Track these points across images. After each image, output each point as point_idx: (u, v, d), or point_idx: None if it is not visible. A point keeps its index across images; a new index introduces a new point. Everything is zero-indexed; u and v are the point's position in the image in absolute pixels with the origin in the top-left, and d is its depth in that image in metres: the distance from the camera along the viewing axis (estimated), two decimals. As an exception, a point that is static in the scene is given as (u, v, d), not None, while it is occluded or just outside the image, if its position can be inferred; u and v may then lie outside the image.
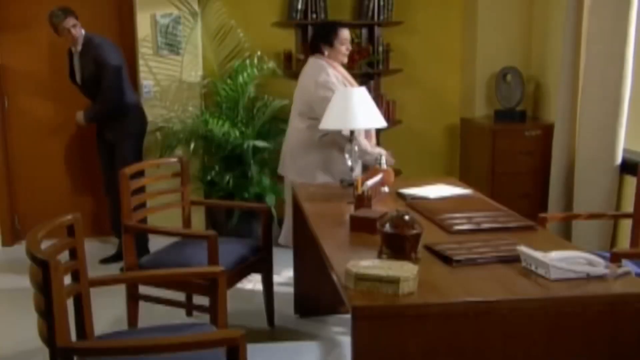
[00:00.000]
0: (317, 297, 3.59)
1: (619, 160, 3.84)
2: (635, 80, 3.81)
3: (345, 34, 3.85)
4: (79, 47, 4.34)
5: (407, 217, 2.25)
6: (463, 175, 5.00)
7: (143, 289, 3.11)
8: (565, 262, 2.06)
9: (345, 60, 3.89)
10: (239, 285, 3.68)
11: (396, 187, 3.32)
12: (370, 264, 2.03)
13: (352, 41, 5.08)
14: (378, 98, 5.01)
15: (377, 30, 5.05)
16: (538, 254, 2.10)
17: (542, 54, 4.82)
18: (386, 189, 3.29)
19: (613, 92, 3.79)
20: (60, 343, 1.82)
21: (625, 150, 3.87)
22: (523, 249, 2.16)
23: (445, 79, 5.30)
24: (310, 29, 5.00)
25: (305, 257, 3.52)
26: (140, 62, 4.80)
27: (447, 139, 5.39)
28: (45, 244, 2.06)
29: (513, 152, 4.59)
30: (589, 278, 2.04)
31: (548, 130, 4.46)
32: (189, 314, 3.60)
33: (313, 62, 3.82)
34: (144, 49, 4.78)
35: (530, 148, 4.58)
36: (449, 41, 5.26)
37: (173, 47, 4.79)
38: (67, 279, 2.23)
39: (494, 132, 4.62)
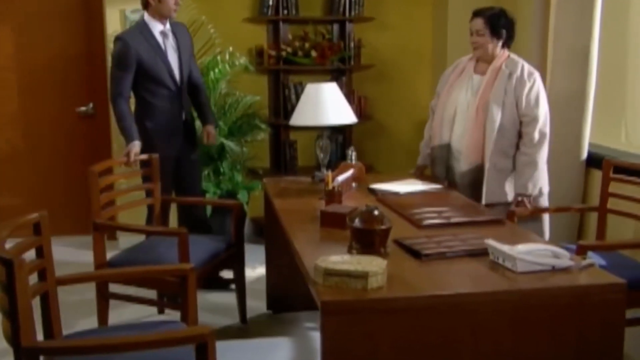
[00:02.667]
0: (290, 292, 3.57)
1: (585, 154, 3.89)
2: (599, 75, 3.86)
3: None
4: (168, 26, 3.65)
5: (376, 212, 2.25)
6: (434, 170, 5.02)
7: (114, 287, 3.07)
8: (532, 255, 2.08)
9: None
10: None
11: (367, 183, 3.32)
12: (339, 259, 2.03)
13: (323, 37, 5.10)
14: (349, 94, 5.02)
15: (349, 26, 5.05)
16: (505, 248, 2.11)
17: (511, 49, 4.85)
18: (357, 184, 3.29)
19: (578, 87, 3.83)
20: (25, 343, 1.79)
21: (590, 145, 3.92)
22: (491, 242, 2.18)
23: (416, 74, 5.32)
24: (282, 25, 4.98)
25: (278, 252, 3.51)
26: (110, 58, 4.72)
27: (419, 134, 5.35)
28: (11, 243, 2.02)
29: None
30: (554, 270, 2.06)
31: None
32: (160, 311, 3.56)
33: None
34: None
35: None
36: (420, 37, 5.28)
37: (143, 43, 4.71)
38: (34, 278, 2.20)
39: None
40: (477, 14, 3.35)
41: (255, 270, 4.17)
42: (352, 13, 4.99)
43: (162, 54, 3.60)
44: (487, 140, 3.23)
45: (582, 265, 2.08)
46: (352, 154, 3.39)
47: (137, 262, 3.00)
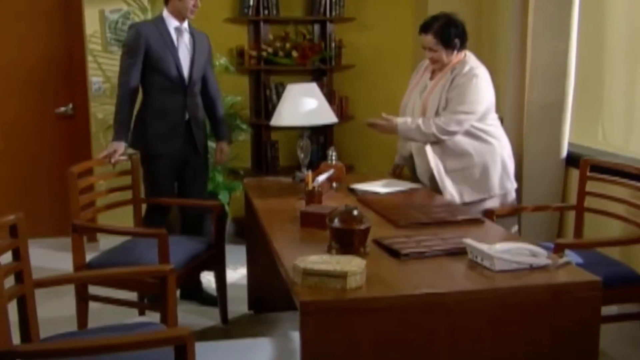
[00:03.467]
0: (271, 293, 3.57)
1: (564, 153, 3.93)
2: (577, 77, 3.90)
3: None
4: (186, 25, 3.61)
5: (355, 212, 2.26)
6: (415, 170, 5.04)
7: (93, 290, 3.04)
8: (509, 253, 2.10)
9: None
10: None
11: (348, 183, 3.33)
12: (318, 259, 2.03)
13: (304, 37, 5.10)
14: (330, 94, 5.02)
15: (329, 27, 5.05)
16: (483, 247, 2.13)
17: (491, 50, 4.89)
18: (338, 184, 3.29)
19: (557, 87, 3.87)
20: (0, 346, 1.77)
21: (570, 144, 3.96)
22: (469, 241, 2.19)
23: (397, 75, 5.32)
24: (262, 25, 4.97)
25: (259, 253, 3.50)
26: (89, 58, 4.69)
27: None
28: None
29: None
30: (532, 269, 2.08)
31: (497, 124, 4.52)
32: (141, 313, 3.54)
33: None
34: (93, 45, 4.67)
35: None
36: (400, 38, 5.30)
37: (122, 43, 4.68)
38: (11, 281, 2.18)
39: (445, 127, 4.66)
40: (424, 30, 3.27)
41: (237, 271, 4.16)
42: (333, 13, 4.99)
43: (173, 49, 3.53)
44: (427, 146, 3.27)
45: (559, 264, 2.10)
46: (332, 154, 3.39)
47: (116, 263, 2.98)
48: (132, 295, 3.35)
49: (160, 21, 3.57)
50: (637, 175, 3.01)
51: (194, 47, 3.61)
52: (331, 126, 5.05)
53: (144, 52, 3.47)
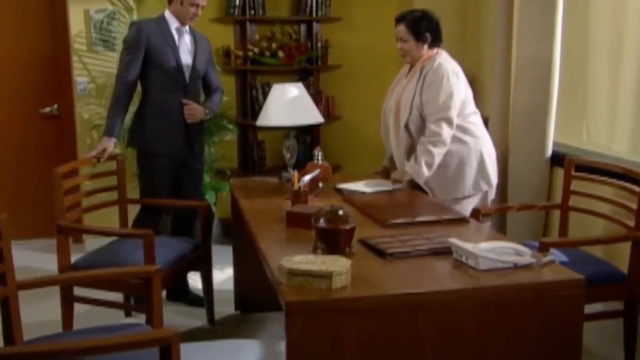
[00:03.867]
0: (258, 293, 3.56)
1: (549, 153, 3.95)
2: (562, 77, 3.92)
3: None
4: (187, 27, 3.62)
5: (341, 212, 2.26)
6: (402, 170, 5.06)
7: (79, 291, 3.02)
8: (494, 252, 2.11)
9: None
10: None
11: (334, 183, 3.33)
12: (303, 259, 2.03)
13: (290, 37, 5.09)
14: (317, 94, 5.02)
15: (316, 27, 5.05)
16: (468, 246, 2.13)
17: (476, 50, 4.91)
18: (324, 184, 3.29)
19: (542, 88, 3.89)
20: (-17, 349, 1.75)
21: (555, 144, 3.98)
22: (454, 241, 2.20)
23: (383, 75, 5.32)
24: (248, 25, 4.97)
25: (245, 253, 3.49)
26: (74, 58, 4.66)
27: (386, 134, 5.43)
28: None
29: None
30: (516, 267, 2.09)
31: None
32: (127, 314, 3.52)
33: None
34: (78, 45, 4.65)
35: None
36: (386, 38, 5.26)
37: (108, 43, 4.67)
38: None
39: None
40: (398, 20, 3.33)
41: (224, 272, 4.15)
42: (319, 13, 4.99)
43: (174, 47, 3.52)
44: (401, 144, 3.28)
45: (543, 262, 2.12)
46: (318, 153, 3.40)
47: (102, 264, 2.96)
48: (118, 297, 3.34)
49: (161, 20, 3.55)
50: (621, 175, 3.03)
51: (195, 47, 3.60)
52: (317, 126, 5.05)
53: (144, 49, 3.46)
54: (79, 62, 4.67)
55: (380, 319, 1.90)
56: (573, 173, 3.25)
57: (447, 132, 3.17)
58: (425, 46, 3.29)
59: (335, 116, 5.22)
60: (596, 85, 3.96)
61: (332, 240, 2.22)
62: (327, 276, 1.92)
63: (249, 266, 3.50)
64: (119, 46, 4.66)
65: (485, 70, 4.78)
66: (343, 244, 2.22)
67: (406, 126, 3.26)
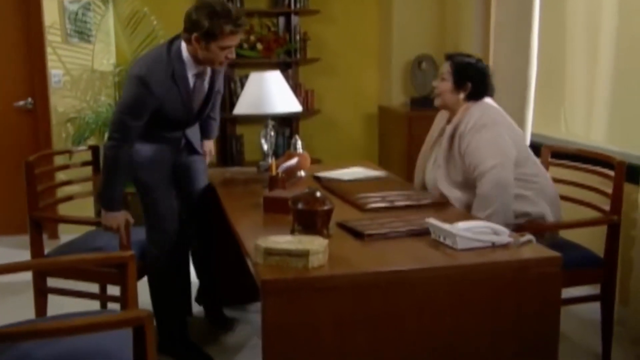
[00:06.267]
0: (236, 284, 3.53)
1: (527, 143, 3.96)
2: (540, 69, 3.94)
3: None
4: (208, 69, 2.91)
5: (318, 194, 2.24)
6: (382, 163, 5.06)
7: (53, 282, 2.97)
8: (471, 231, 2.10)
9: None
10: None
11: (313, 172, 3.31)
12: (280, 239, 2.01)
13: (269, 30, 5.07)
14: (296, 87, 5.01)
15: (294, 19, 5.04)
16: (446, 225, 2.13)
17: (455, 41, 4.93)
18: (302, 173, 3.28)
19: (520, 78, 3.92)
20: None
21: (534, 135, 4.01)
22: (432, 221, 2.19)
23: (363, 67, 5.35)
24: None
25: (224, 248, 3.45)
26: (49, 50, 4.60)
27: (366, 127, 5.44)
28: None
29: (429, 138, 4.67)
30: (494, 247, 2.09)
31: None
32: (103, 305, 3.47)
33: None
34: (52, 37, 4.59)
35: (445, 134, 4.67)
36: (365, 30, 5.31)
37: (83, 34, 4.62)
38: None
39: (410, 118, 4.70)
40: (448, 56, 2.97)
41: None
42: (298, 6, 4.98)
43: (188, 97, 2.83)
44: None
45: (521, 242, 2.12)
46: (297, 142, 3.38)
47: (77, 253, 2.91)
48: (92, 287, 3.28)
49: (179, 65, 2.75)
50: (597, 160, 3.05)
51: (212, 83, 2.96)
52: (297, 119, 5.04)
53: (152, 111, 2.76)
54: (53, 55, 4.61)
55: (358, 297, 1.89)
56: (549, 160, 3.27)
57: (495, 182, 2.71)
58: (461, 95, 2.88)
59: (315, 110, 5.21)
60: (574, 77, 4.00)
61: (310, 221, 2.20)
62: (304, 255, 1.91)
63: (229, 257, 3.45)
64: (95, 38, 4.63)
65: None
66: (320, 225, 2.21)
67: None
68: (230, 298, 3.58)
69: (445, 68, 2.92)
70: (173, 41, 2.81)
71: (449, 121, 2.97)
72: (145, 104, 2.72)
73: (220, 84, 3.09)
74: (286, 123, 5.04)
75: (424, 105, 4.84)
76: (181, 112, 2.86)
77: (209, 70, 2.89)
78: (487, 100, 2.93)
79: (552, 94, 4.12)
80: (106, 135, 2.97)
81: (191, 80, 2.83)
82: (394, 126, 4.97)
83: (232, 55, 2.76)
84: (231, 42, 2.70)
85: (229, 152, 5.02)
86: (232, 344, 3.17)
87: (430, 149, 3.06)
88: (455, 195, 2.80)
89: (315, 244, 1.95)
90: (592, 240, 3.01)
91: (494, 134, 2.77)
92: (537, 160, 2.99)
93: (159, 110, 2.77)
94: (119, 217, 2.81)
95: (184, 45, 2.76)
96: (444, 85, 2.91)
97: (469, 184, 2.80)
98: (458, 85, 2.88)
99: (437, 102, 2.97)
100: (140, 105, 2.72)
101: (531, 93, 3.94)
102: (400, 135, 4.81)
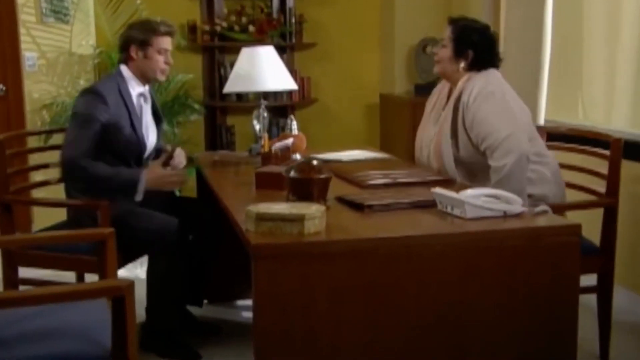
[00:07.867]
0: (225, 282, 3.52)
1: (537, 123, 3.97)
2: (554, 52, 3.95)
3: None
4: (147, 87, 3.11)
5: (314, 162, 2.24)
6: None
7: (25, 272, 2.95)
8: (481, 200, 2.09)
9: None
10: (141, 273, 3.57)
11: (308, 154, 3.31)
12: (273, 205, 2.00)
13: (262, 11, 5.09)
14: (291, 74, 4.98)
15: (289, 0, 5.06)
16: (453, 194, 2.12)
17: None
18: (298, 155, 3.27)
19: (533, 58, 3.92)
20: None
21: (548, 121, 4.00)
22: (438, 190, 2.19)
23: (363, 53, 5.35)
24: (216, -2, 4.95)
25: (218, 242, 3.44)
26: (22, 31, 4.59)
27: (366, 117, 5.44)
28: None
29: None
30: (506, 216, 2.08)
31: (470, 102, 4.56)
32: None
33: None
34: (26, 16, 4.58)
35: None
36: (365, 12, 5.32)
37: (60, 14, 4.62)
38: None
39: (414, 107, 4.69)
40: (451, 20, 2.94)
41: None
42: (293, -15, 5.00)
43: (138, 123, 2.96)
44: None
45: (536, 212, 2.11)
46: (292, 122, 3.38)
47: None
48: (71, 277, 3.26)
49: (123, 83, 2.96)
50: (596, 140, 2.98)
51: (155, 113, 3.15)
52: (292, 108, 5.05)
53: (102, 127, 2.86)
54: (27, 35, 4.61)
55: (357, 265, 1.88)
56: (546, 143, 3.20)
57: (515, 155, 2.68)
58: (461, 64, 2.83)
59: (311, 99, 5.22)
60: (591, 61, 4.00)
61: (305, 191, 2.19)
62: (299, 219, 1.90)
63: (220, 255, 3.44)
64: (73, 17, 4.64)
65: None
66: (317, 195, 2.20)
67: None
68: (217, 294, 3.57)
69: (447, 33, 2.88)
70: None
71: (449, 94, 2.95)
72: (97, 111, 2.84)
73: (161, 113, 3.24)
74: (280, 113, 5.04)
75: (429, 93, 4.85)
76: (129, 135, 2.94)
77: (149, 95, 3.09)
78: (492, 70, 2.89)
79: (567, 75, 4.13)
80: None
81: (135, 102, 3.00)
82: (397, 116, 4.98)
83: (170, 60, 3.04)
84: (166, 44, 3.02)
85: (219, 142, 5.02)
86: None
87: (430, 123, 3.04)
88: (461, 172, 2.80)
89: (311, 209, 1.95)
90: (587, 227, 2.98)
91: (503, 101, 2.74)
92: (542, 142, 2.97)
93: (109, 131, 2.86)
94: (156, 173, 2.88)
95: (123, 66, 3.01)
96: (443, 52, 2.87)
97: (474, 163, 2.79)
98: (458, 52, 2.83)
99: (435, 69, 2.95)
100: (92, 113, 2.84)
101: (545, 73, 3.95)
102: (404, 126, 4.80)
